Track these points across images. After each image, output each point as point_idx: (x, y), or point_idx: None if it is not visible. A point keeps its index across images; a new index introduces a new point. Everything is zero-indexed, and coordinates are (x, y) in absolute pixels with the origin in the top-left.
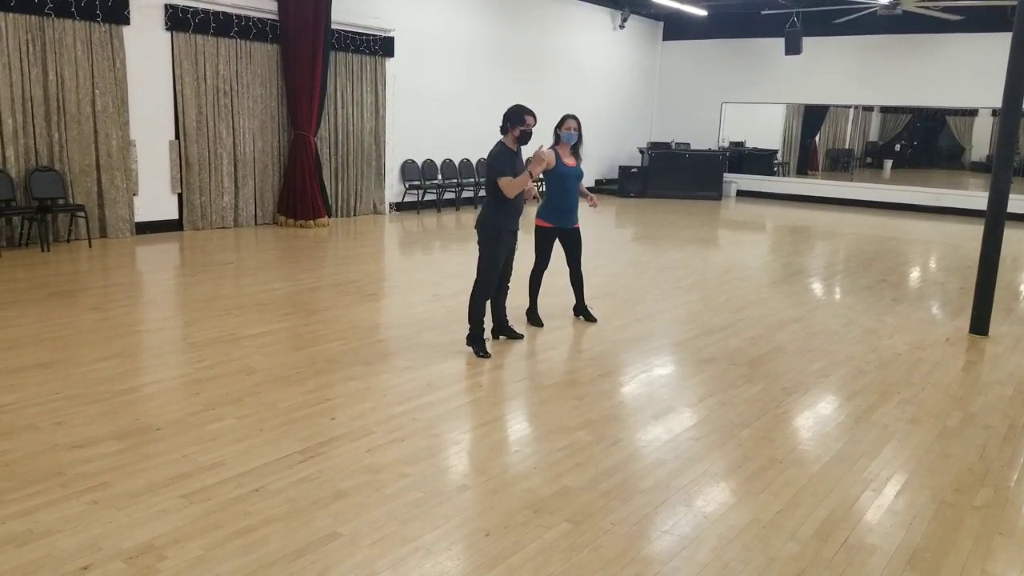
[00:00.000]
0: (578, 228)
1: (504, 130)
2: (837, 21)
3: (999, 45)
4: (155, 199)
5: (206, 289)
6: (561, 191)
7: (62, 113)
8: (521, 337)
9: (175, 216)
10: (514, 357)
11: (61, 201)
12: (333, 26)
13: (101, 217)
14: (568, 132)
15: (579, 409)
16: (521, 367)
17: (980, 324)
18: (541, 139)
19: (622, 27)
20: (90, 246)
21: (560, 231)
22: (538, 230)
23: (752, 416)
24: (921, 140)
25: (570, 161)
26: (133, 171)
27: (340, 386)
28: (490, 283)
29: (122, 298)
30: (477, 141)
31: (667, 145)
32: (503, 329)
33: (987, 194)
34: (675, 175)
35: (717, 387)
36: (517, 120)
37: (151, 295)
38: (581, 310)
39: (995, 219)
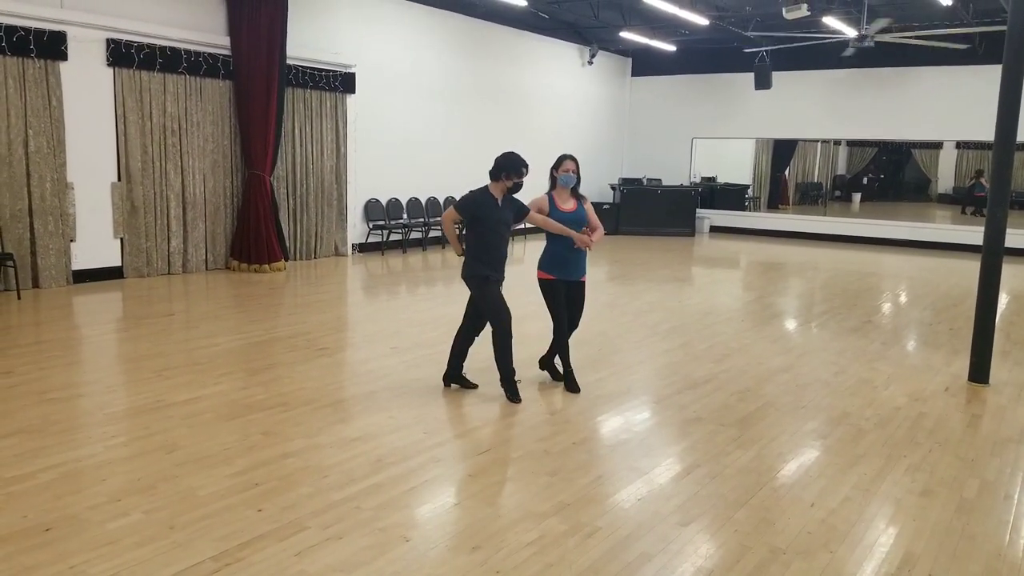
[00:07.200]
0: (583, 282)
1: (494, 177)
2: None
3: (965, 79)
4: (95, 245)
5: (138, 346)
6: (559, 239)
7: None
8: (475, 386)
9: (117, 263)
10: (479, 422)
11: None
12: (289, 61)
13: (33, 266)
14: (566, 175)
15: (551, 488)
16: (486, 434)
17: (980, 372)
18: (535, 182)
19: (591, 63)
20: (19, 298)
21: (565, 283)
22: (541, 284)
23: (747, 492)
24: (888, 173)
25: (568, 206)
26: (70, 216)
27: (274, 465)
28: (502, 325)
29: (41, 359)
30: (444, 179)
31: (638, 181)
32: (456, 377)
33: (958, 228)
34: (647, 211)
35: (705, 455)
36: (513, 171)
37: (75, 354)
38: (565, 375)
39: (992, 260)
